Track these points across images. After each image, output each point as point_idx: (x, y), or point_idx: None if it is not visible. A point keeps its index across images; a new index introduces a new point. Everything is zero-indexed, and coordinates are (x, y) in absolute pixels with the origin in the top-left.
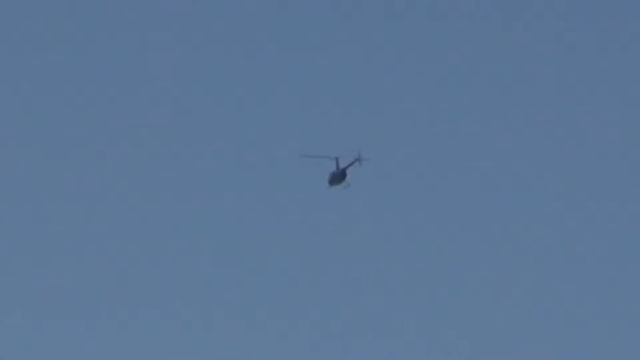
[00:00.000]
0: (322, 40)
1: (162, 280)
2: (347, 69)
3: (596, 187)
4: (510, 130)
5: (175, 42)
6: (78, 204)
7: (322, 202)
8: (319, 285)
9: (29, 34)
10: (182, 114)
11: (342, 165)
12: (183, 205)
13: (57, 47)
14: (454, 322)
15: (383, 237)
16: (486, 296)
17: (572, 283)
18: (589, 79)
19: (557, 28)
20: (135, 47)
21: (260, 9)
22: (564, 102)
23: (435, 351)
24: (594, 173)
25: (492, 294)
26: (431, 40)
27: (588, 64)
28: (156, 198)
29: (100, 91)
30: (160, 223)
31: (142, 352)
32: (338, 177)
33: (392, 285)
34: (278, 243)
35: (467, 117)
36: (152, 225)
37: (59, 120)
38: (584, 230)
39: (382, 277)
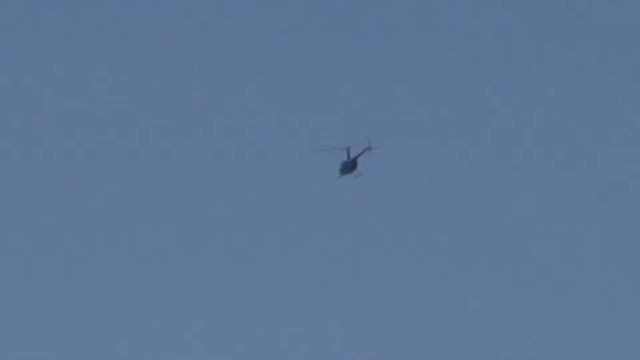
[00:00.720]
0: (332, 29)
1: (178, 269)
2: (357, 59)
3: (596, 187)
4: (523, 122)
5: (183, 36)
6: (77, 203)
7: (333, 190)
8: (331, 276)
9: (28, 34)
10: (192, 106)
11: (352, 155)
12: (189, 201)
13: (57, 47)
14: (470, 314)
15: (394, 225)
16: (500, 287)
17: (580, 288)
18: (590, 79)
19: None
20: (135, 47)
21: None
22: (594, 101)
23: (449, 346)
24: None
25: (506, 284)
26: (444, 28)
27: (589, 64)
28: (167, 190)
29: (98, 89)
30: (171, 215)
31: (144, 352)
32: (349, 166)
33: (403, 273)
34: (289, 232)
35: (479, 107)
36: (164, 217)
37: (58, 120)
38: (598, 238)
39: (392, 265)
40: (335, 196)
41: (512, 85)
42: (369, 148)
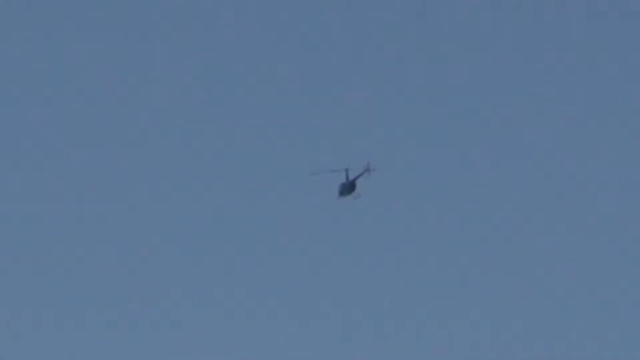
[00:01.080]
0: (330, 50)
1: (171, 288)
2: (356, 79)
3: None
4: (523, 143)
5: (179, 47)
6: (75, 203)
7: (333, 212)
8: (329, 294)
9: (28, 34)
10: (190, 127)
11: (351, 177)
12: (190, 219)
13: (57, 47)
14: (461, 331)
15: (393, 246)
16: (493, 306)
17: (577, 291)
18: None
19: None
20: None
21: (264, 17)
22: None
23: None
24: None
25: (498, 303)
26: (443, 50)
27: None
28: (166, 206)
29: (95, 89)
30: (171, 233)
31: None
32: (348, 187)
33: (401, 293)
34: (289, 253)
35: (476, 129)
36: (163, 233)
37: (58, 120)
38: (595, 241)
39: (390, 285)
40: (335, 218)
41: (513, 112)
42: (367, 170)
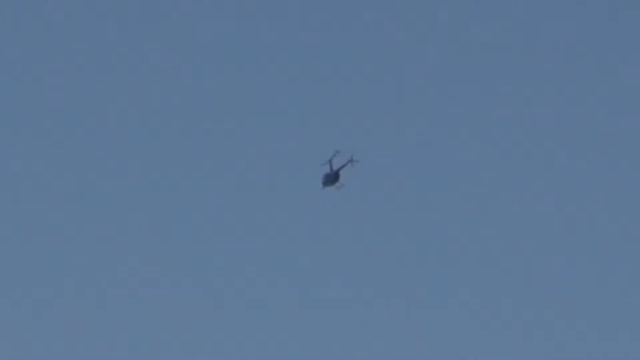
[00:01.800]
0: (313, 41)
1: (160, 278)
2: (340, 71)
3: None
4: (505, 132)
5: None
6: (73, 202)
7: (316, 202)
8: (313, 284)
9: (28, 34)
10: (177, 115)
11: (335, 167)
12: (174, 207)
13: (56, 46)
14: (447, 322)
15: (376, 236)
16: (482, 296)
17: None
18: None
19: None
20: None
21: (249, 13)
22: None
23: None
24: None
25: (487, 292)
26: (422, 40)
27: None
28: (151, 197)
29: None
30: (156, 223)
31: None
32: (331, 178)
33: (384, 283)
34: (273, 241)
35: (459, 118)
36: (148, 224)
37: (58, 120)
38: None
39: (373, 275)
40: (319, 207)
41: (491, 102)
42: (351, 160)
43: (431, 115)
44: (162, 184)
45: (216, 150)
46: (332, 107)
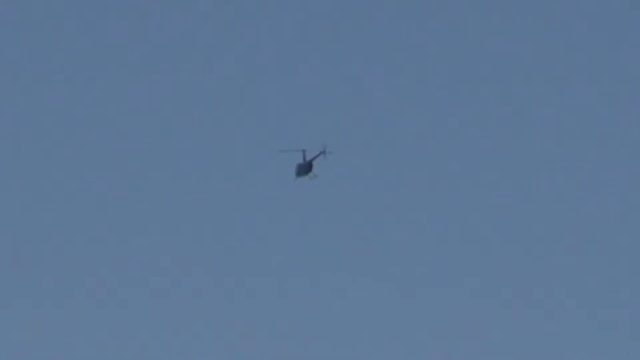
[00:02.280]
0: (288, 33)
1: (137, 278)
2: (315, 64)
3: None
4: (477, 122)
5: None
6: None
7: (290, 191)
8: (287, 273)
9: (28, 34)
10: (152, 109)
11: (308, 158)
12: (145, 203)
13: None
14: (426, 319)
15: (349, 224)
16: (460, 289)
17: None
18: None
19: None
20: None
21: (223, 7)
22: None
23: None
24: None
25: (470, 287)
26: (396, 31)
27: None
28: (124, 191)
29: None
30: (126, 216)
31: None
32: (305, 168)
33: (357, 275)
34: (248, 230)
35: (433, 109)
36: (123, 219)
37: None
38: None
39: (344, 263)
40: (292, 196)
41: (461, 84)
42: (323, 152)
43: (406, 105)
44: (145, 182)
45: (189, 142)
46: (305, 99)
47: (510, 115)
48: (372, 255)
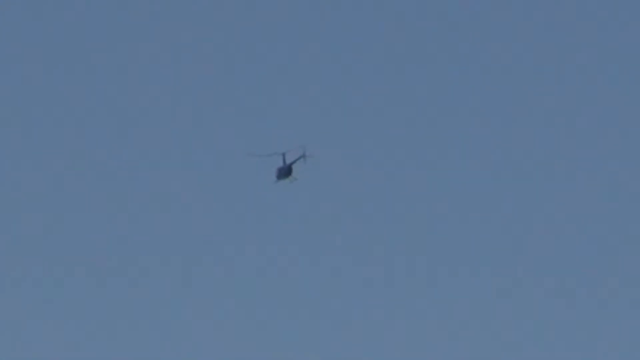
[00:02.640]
0: (269, 34)
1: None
2: (296, 67)
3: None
4: (466, 124)
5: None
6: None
7: (270, 194)
8: (268, 274)
9: (28, 34)
10: (133, 113)
11: (288, 161)
12: (128, 205)
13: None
14: (406, 321)
15: (328, 225)
16: (441, 294)
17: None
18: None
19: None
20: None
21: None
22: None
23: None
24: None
25: (447, 289)
26: (376, 32)
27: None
28: (106, 200)
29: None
30: (110, 225)
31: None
32: (285, 171)
33: (333, 272)
34: (227, 231)
35: (413, 113)
36: (106, 228)
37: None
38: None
39: (325, 266)
40: (272, 199)
41: (447, 95)
42: (303, 155)
43: (387, 110)
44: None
45: (171, 146)
46: (285, 103)
47: (504, 116)
48: (353, 256)
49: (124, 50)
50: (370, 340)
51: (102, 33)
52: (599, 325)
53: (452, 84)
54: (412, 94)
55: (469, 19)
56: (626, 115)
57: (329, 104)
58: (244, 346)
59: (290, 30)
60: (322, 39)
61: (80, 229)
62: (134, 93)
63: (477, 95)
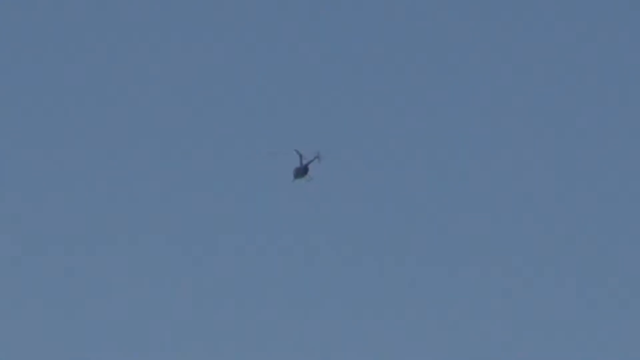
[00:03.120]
0: (281, 36)
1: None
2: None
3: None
4: (474, 126)
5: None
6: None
7: (289, 192)
8: (286, 272)
9: (28, 34)
10: (143, 111)
11: (304, 162)
12: (144, 204)
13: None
14: (412, 322)
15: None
16: (448, 294)
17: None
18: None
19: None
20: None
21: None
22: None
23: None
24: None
25: (455, 293)
26: (389, 35)
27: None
28: (114, 193)
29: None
30: (122, 221)
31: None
32: (301, 171)
33: (345, 271)
34: (248, 229)
35: (423, 116)
36: (109, 224)
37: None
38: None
39: (336, 266)
40: (291, 196)
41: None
42: (317, 157)
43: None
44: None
45: (192, 144)
46: (302, 105)
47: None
48: (365, 255)
49: (124, 50)
50: (373, 340)
51: (102, 33)
52: (598, 326)
53: (470, 89)
54: (427, 96)
55: (474, 20)
56: (626, 115)
57: (343, 105)
58: (244, 346)
59: (303, 29)
60: (336, 39)
61: (80, 230)
62: (134, 94)
63: (488, 97)
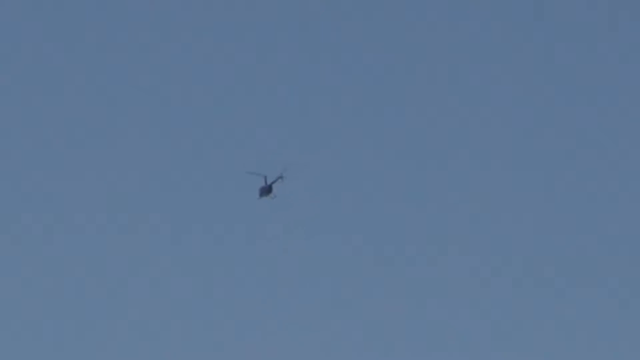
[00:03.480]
0: (256, 51)
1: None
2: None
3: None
4: (448, 137)
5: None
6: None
7: (254, 209)
8: (253, 283)
9: (28, 34)
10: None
11: (269, 182)
12: (111, 217)
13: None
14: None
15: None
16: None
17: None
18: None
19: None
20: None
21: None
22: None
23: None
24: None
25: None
26: (356, 49)
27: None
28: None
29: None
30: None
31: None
32: (266, 190)
33: (310, 283)
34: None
35: (389, 130)
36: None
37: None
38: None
39: (294, 276)
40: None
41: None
42: (280, 177)
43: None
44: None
45: (162, 159)
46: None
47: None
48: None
49: (124, 50)
50: (376, 341)
51: (102, 33)
52: (599, 325)
53: (457, 89)
54: (413, 97)
55: (473, 20)
56: (626, 115)
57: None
58: (244, 346)
59: (291, 32)
60: (307, 54)
61: (80, 229)
62: (133, 95)
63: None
